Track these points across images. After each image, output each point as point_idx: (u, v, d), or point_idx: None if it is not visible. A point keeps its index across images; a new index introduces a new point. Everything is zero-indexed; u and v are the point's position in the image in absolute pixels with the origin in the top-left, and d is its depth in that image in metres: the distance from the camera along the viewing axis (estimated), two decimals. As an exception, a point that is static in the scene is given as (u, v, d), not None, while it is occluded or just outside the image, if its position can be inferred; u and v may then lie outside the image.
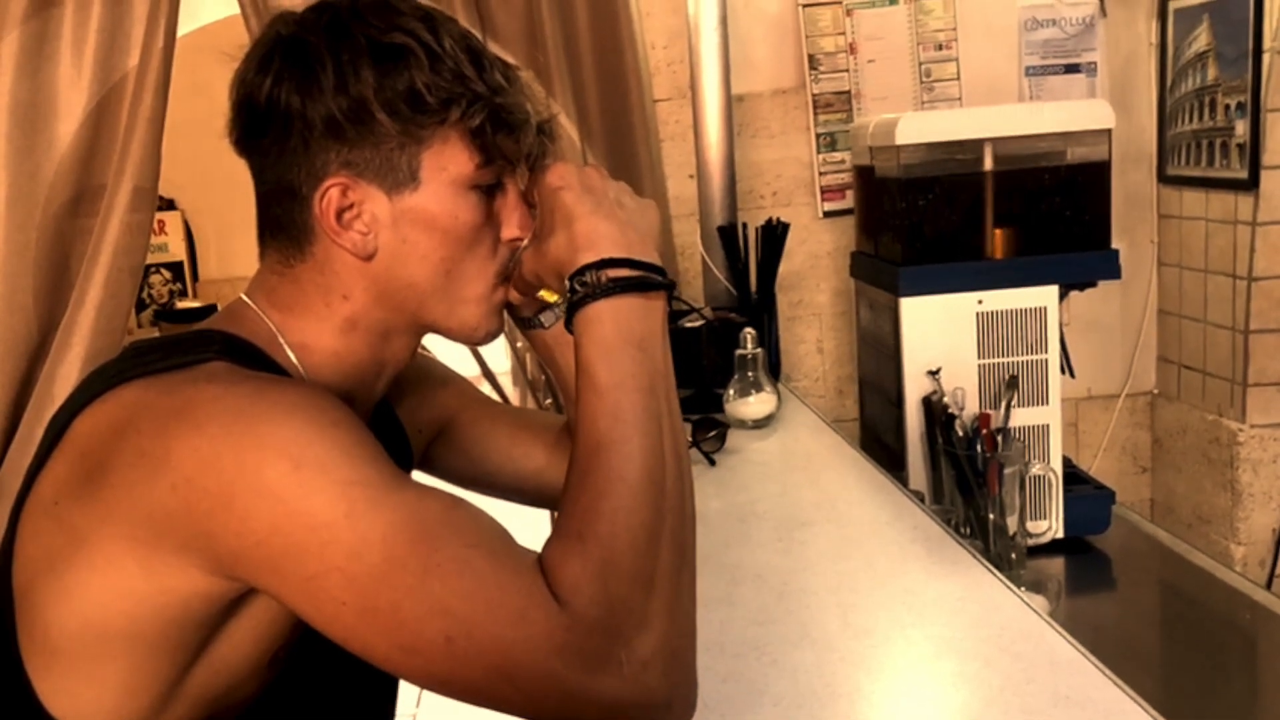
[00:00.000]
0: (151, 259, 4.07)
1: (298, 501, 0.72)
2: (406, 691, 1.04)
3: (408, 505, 0.75)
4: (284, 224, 0.88)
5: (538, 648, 0.72)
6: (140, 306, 4.13)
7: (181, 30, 2.05)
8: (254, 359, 0.85)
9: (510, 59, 0.93)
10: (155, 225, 3.66)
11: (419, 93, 0.83)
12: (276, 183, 0.87)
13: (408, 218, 0.86)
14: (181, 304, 4.19)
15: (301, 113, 0.83)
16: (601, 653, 0.72)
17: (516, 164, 0.91)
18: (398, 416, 1.06)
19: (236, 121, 0.88)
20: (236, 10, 2.10)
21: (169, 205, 4.19)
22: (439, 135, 0.85)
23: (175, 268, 4.27)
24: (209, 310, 0.94)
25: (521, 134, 0.89)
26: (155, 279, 4.22)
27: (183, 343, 0.85)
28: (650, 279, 0.85)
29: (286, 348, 0.88)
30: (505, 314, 0.98)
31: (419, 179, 0.86)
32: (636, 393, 0.82)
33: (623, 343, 0.83)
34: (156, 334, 3.79)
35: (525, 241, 0.93)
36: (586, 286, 0.84)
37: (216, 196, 4.15)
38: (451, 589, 0.72)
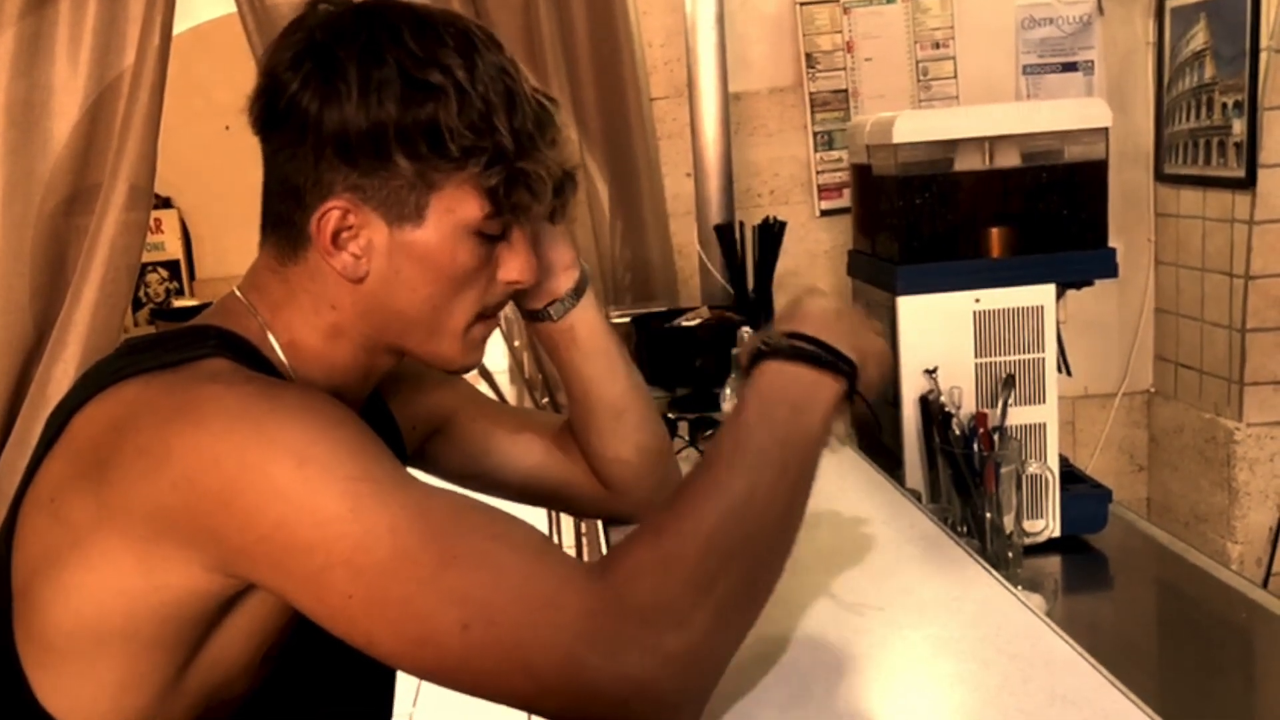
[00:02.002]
0: (148, 258, 4.07)
1: (303, 498, 0.72)
2: (403, 691, 1.04)
3: (415, 501, 0.75)
4: (282, 223, 0.88)
5: (563, 631, 0.72)
6: (137, 305, 4.13)
7: (177, 29, 2.05)
8: (247, 356, 0.86)
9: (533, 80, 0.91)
10: (152, 224, 3.67)
11: (441, 136, 0.82)
12: (283, 181, 0.86)
13: (404, 251, 0.86)
14: (178, 303, 4.19)
15: (318, 123, 0.83)
16: (630, 638, 0.73)
17: (527, 215, 0.90)
18: (390, 412, 1.06)
19: (257, 105, 0.87)
20: (233, 9, 2.10)
21: (166, 204, 4.19)
22: (453, 180, 0.84)
23: (172, 266, 4.27)
24: (206, 309, 0.94)
25: (538, 196, 0.88)
26: (152, 278, 4.22)
27: (180, 339, 0.85)
28: (825, 357, 0.88)
29: (276, 345, 0.88)
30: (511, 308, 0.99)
31: (424, 216, 0.85)
32: (773, 440, 0.84)
33: (780, 399, 0.87)
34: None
35: (524, 285, 0.93)
36: (770, 345, 0.89)
37: (213, 195, 4.15)
38: (470, 580, 0.73)
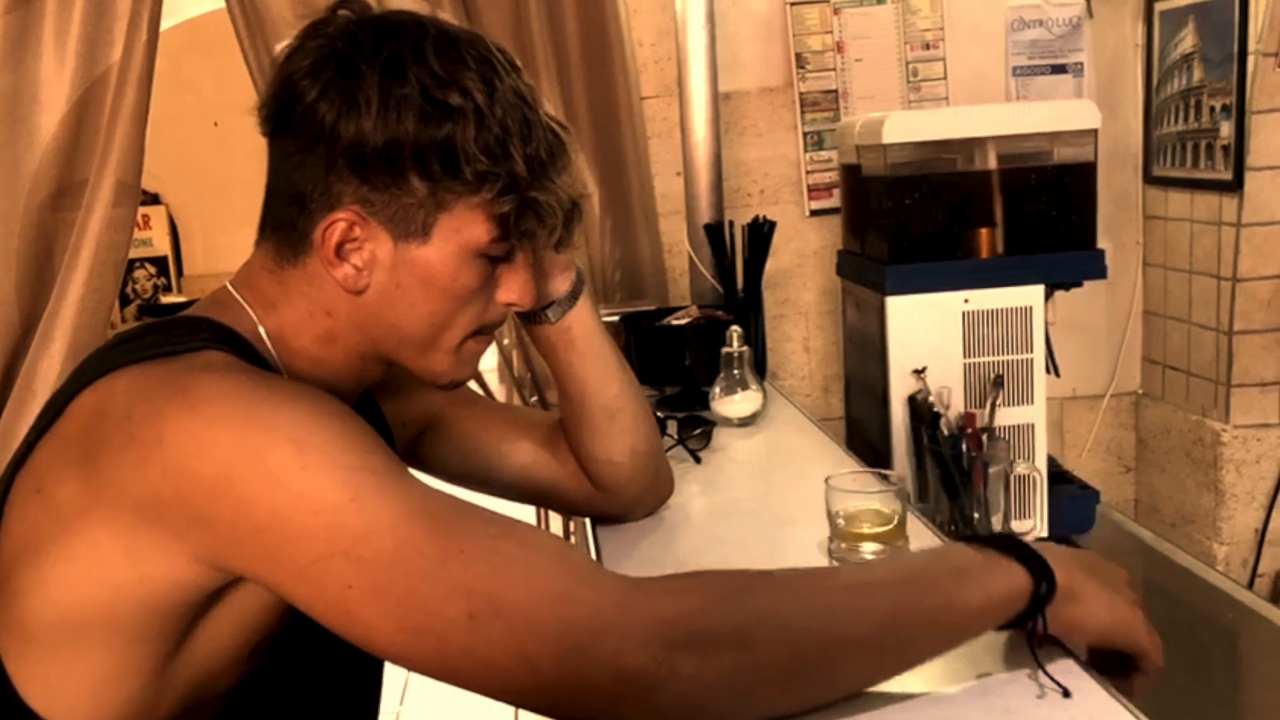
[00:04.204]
0: (136, 254, 4.06)
1: (301, 486, 0.72)
2: (390, 689, 1.04)
3: (417, 495, 0.75)
4: (284, 226, 0.87)
5: (571, 625, 0.72)
6: (125, 301, 4.11)
7: (165, 24, 2.04)
8: (239, 349, 0.85)
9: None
10: (140, 220, 3.65)
11: (456, 159, 0.82)
12: (289, 185, 0.86)
13: (408, 267, 0.86)
14: (166, 299, 4.17)
15: (334, 134, 0.82)
16: (643, 643, 0.72)
17: (533, 242, 0.90)
18: (380, 409, 1.06)
19: (271, 108, 0.86)
20: (222, 5, 2.09)
21: (154, 200, 4.17)
22: (463, 202, 0.84)
23: (160, 262, 4.25)
24: (195, 304, 0.94)
25: (547, 225, 0.88)
26: (140, 274, 4.20)
27: (172, 329, 0.85)
28: (1020, 550, 0.82)
29: (268, 343, 0.88)
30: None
31: (430, 234, 0.85)
32: (907, 583, 0.80)
33: (949, 561, 0.83)
34: (140, 329, 3.77)
35: (522, 308, 0.94)
36: (998, 536, 0.85)
37: (202, 192, 4.14)
38: (476, 572, 0.72)
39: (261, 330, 0.88)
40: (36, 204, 1.99)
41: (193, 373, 0.78)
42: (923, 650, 0.80)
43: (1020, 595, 0.81)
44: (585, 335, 1.10)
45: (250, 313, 0.88)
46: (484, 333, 0.93)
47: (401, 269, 0.86)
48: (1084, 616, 0.84)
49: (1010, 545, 0.82)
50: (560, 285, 1.07)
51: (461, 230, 0.85)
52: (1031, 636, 0.82)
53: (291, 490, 0.72)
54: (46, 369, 1.94)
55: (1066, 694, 0.82)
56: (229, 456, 0.72)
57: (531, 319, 1.08)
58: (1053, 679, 0.83)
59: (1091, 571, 0.85)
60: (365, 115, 0.81)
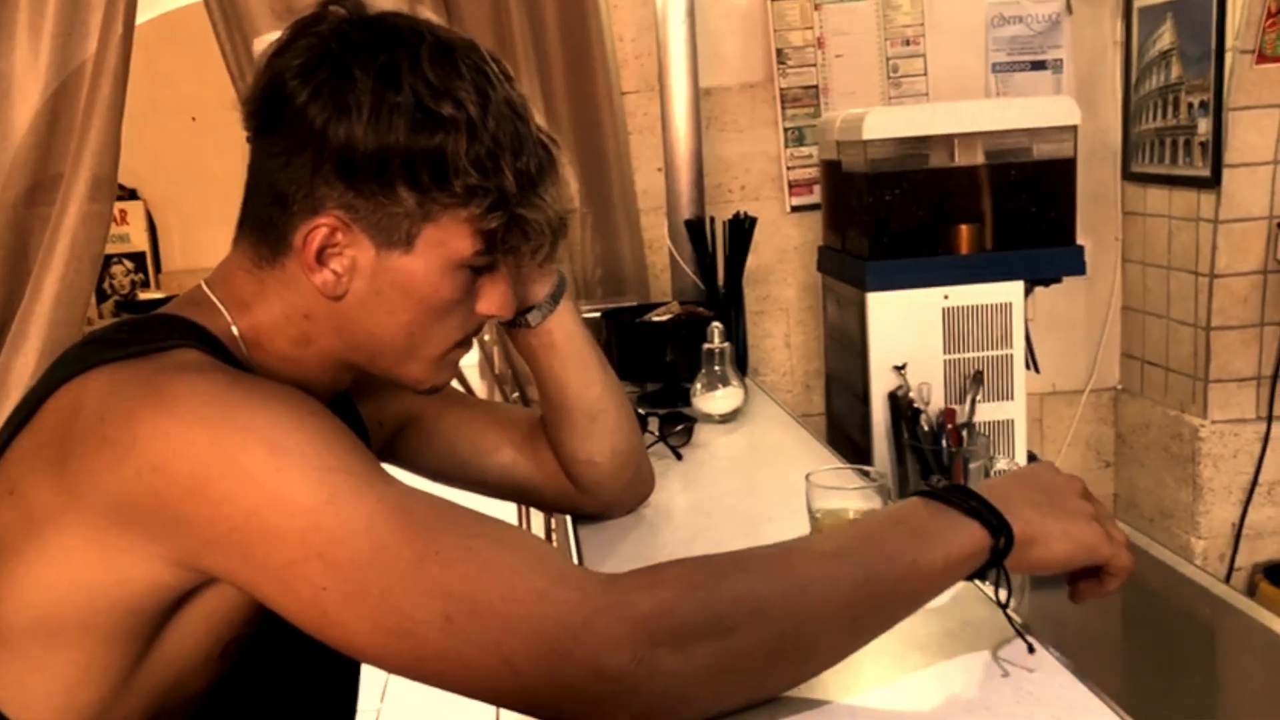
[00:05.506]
0: (113, 249, 4.02)
1: (276, 487, 0.71)
2: (369, 687, 1.03)
3: (393, 496, 0.74)
4: (264, 226, 0.86)
5: (550, 624, 0.71)
6: (102, 297, 4.07)
7: (141, 18, 2.02)
8: (212, 349, 0.84)
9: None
10: (117, 215, 3.62)
11: (446, 171, 0.81)
12: (271, 185, 0.84)
13: (389, 276, 0.85)
14: (144, 295, 4.14)
15: (323, 137, 0.81)
16: (622, 641, 0.71)
17: (517, 256, 0.90)
18: (357, 408, 1.05)
19: (257, 106, 0.85)
20: (198, -2, 2.08)
21: (131, 195, 4.14)
22: (450, 214, 0.83)
23: (137, 258, 4.22)
24: (171, 301, 0.93)
25: (533, 241, 0.87)
26: (117, 269, 4.17)
27: (145, 328, 0.84)
28: (976, 507, 0.81)
29: (241, 344, 0.87)
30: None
31: (413, 245, 0.84)
32: (871, 547, 0.80)
33: (908, 522, 0.82)
34: (118, 326, 3.74)
35: (501, 319, 0.93)
36: (930, 489, 0.84)
37: (180, 187, 4.11)
38: (453, 574, 0.72)
39: (234, 330, 0.87)
40: (10, 199, 1.98)
41: (166, 373, 0.77)
42: (892, 615, 0.81)
43: (980, 552, 0.81)
44: (566, 339, 1.09)
45: (224, 313, 0.87)
46: (465, 344, 0.93)
47: (382, 277, 0.85)
48: (1044, 556, 0.84)
49: (965, 500, 0.82)
50: (540, 290, 1.06)
51: (446, 242, 0.84)
52: (1002, 602, 0.86)
53: (267, 491, 0.71)
54: (21, 367, 1.93)
55: (1031, 649, 0.88)
56: (204, 457, 0.72)
57: (511, 324, 1.07)
58: (1025, 638, 0.88)
59: (1046, 504, 0.85)
60: (356, 120, 0.80)
